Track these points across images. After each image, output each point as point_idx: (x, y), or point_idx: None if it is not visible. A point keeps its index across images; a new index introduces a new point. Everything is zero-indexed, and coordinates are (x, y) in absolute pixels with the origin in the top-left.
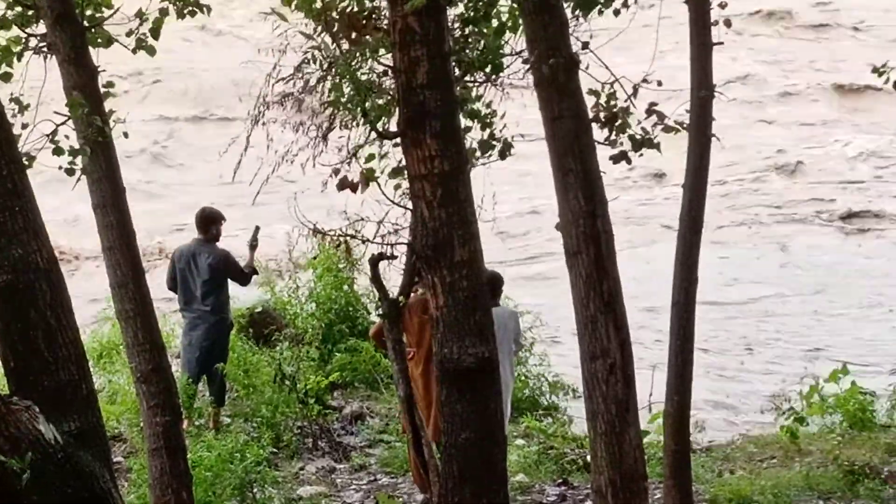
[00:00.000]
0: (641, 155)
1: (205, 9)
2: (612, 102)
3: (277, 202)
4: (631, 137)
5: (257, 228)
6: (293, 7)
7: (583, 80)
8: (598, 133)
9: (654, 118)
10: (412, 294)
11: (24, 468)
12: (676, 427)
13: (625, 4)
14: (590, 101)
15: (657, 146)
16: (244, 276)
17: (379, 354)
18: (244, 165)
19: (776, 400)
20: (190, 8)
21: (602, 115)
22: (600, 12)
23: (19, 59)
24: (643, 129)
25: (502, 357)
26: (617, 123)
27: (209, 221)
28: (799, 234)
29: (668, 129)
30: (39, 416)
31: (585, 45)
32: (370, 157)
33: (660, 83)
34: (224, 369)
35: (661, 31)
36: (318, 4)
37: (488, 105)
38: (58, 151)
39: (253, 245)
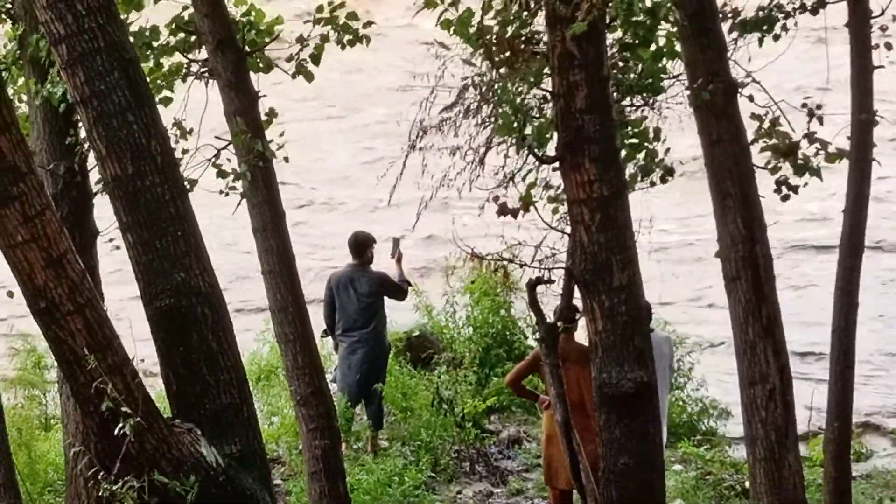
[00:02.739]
0: (806, 184)
1: (364, 40)
2: (778, 128)
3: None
4: (793, 163)
5: (396, 240)
6: (451, 32)
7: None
8: (757, 157)
9: (812, 144)
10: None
11: (187, 490)
12: (837, 453)
13: (784, 28)
14: (751, 125)
15: (818, 173)
16: (401, 291)
17: (536, 377)
18: (399, 190)
19: None
20: (350, 37)
21: (779, 144)
22: (760, 41)
23: (183, 82)
24: (804, 155)
25: (660, 382)
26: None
27: (364, 245)
28: None
29: (830, 158)
30: (201, 439)
31: (748, 75)
32: (531, 185)
33: (819, 107)
34: (382, 391)
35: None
36: (475, 29)
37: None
38: (222, 174)
39: (398, 258)
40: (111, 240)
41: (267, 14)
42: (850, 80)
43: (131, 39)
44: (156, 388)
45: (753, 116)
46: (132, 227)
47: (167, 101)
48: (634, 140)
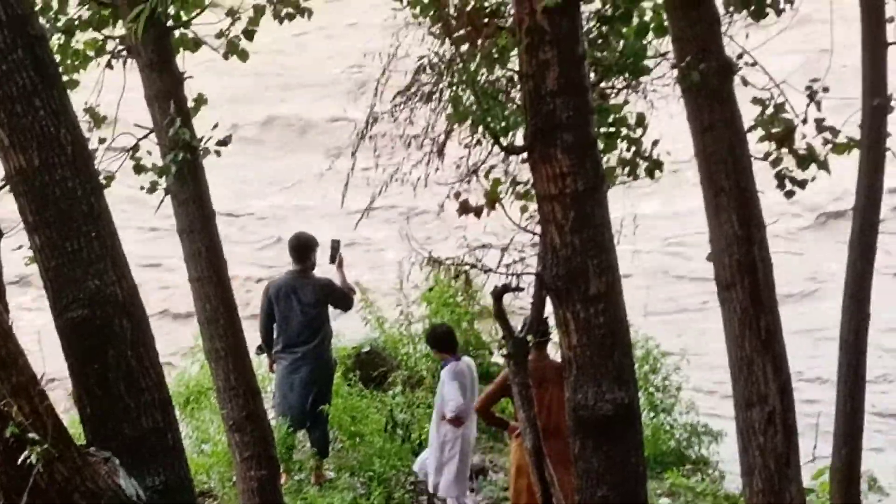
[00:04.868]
0: (815, 178)
1: (306, 13)
2: (781, 115)
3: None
4: (795, 154)
5: (336, 242)
6: (404, 4)
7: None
8: (755, 147)
9: (820, 134)
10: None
11: None
12: (845, 484)
13: (789, 1)
14: (751, 111)
15: (826, 166)
16: (348, 300)
17: (506, 400)
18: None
19: None
20: (289, 10)
21: (772, 130)
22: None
23: (97, 65)
24: (808, 144)
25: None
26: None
27: (307, 248)
28: None
29: (839, 149)
30: (120, 469)
31: (742, 55)
32: (497, 180)
33: (826, 89)
34: (328, 414)
35: (834, 26)
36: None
37: (639, 117)
38: (139, 169)
39: (339, 263)
40: (20, 246)
41: None
42: (861, 60)
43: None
44: (69, 412)
45: (755, 101)
46: (39, 228)
47: (74, 85)
48: (612, 128)
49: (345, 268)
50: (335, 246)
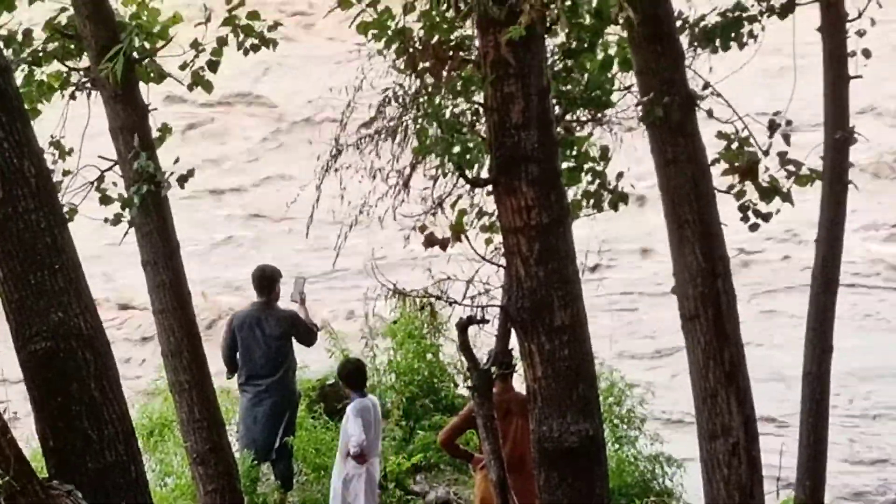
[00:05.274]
0: (779, 211)
1: (271, 45)
2: (746, 149)
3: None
4: (758, 187)
5: (300, 281)
6: (368, 37)
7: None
8: (719, 181)
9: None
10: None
11: None
12: None
13: (751, 35)
14: (714, 145)
15: (789, 198)
16: (312, 335)
17: (470, 432)
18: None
19: None
20: (253, 42)
21: (735, 164)
22: (724, 46)
23: (62, 95)
24: (771, 177)
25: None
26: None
27: (271, 280)
28: None
29: (801, 181)
30: (82, 502)
31: (707, 86)
32: (462, 212)
33: (789, 122)
34: (292, 447)
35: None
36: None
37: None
38: (105, 200)
39: (301, 300)
40: None
41: (162, 13)
42: (822, 93)
43: (1, 45)
44: (31, 445)
45: (720, 135)
46: (2, 260)
47: (36, 114)
48: (575, 161)
49: (308, 304)
50: (299, 284)
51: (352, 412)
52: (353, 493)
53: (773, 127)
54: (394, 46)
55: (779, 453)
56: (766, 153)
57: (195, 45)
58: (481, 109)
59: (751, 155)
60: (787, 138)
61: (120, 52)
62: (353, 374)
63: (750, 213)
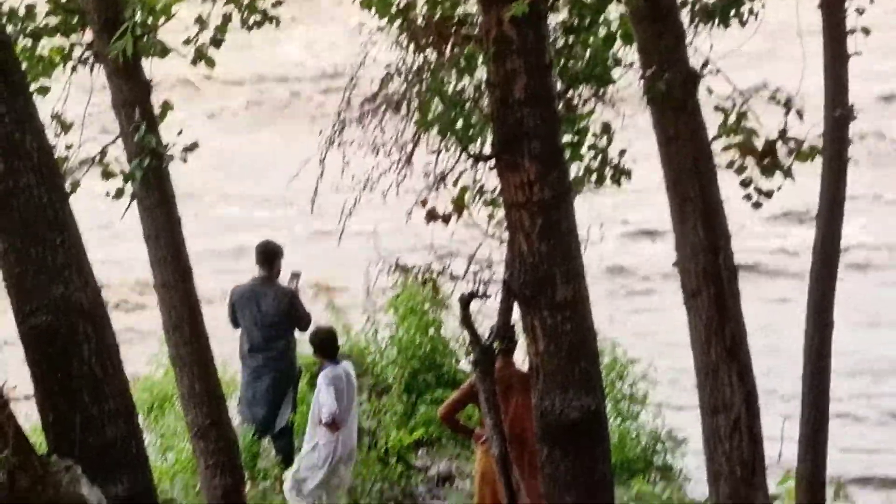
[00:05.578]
0: (780, 188)
1: (273, 20)
2: (744, 124)
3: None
4: (759, 163)
5: (296, 275)
6: (372, 12)
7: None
8: (720, 156)
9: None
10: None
11: None
12: (810, 491)
13: (751, 12)
14: (714, 119)
15: (789, 173)
16: (306, 322)
17: (472, 406)
18: (305, 189)
19: None
20: (257, 18)
21: (745, 140)
22: (724, 23)
23: (64, 69)
24: (770, 145)
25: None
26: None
27: (273, 255)
28: None
29: (801, 157)
30: (82, 478)
31: (706, 64)
32: (465, 188)
33: (788, 101)
34: (293, 422)
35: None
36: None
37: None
38: (107, 175)
39: (297, 292)
40: None
41: None
42: (823, 70)
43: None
44: (30, 419)
45: (718, 109)
46: (4, 234)
47: (44, 92)
48: (577, 137)
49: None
50: (295, 277)
51: (323, 380)
52: (322, 460)
53: (787, 104)
54: (397, 23)
55: (780, 428)
56: (779, 134)
57: (199, 20)
58: (484, 85)
59: (752, 132)
60: (799, 113)
61: (127, 30)
62: (325, 342)
63: (752, 191)
